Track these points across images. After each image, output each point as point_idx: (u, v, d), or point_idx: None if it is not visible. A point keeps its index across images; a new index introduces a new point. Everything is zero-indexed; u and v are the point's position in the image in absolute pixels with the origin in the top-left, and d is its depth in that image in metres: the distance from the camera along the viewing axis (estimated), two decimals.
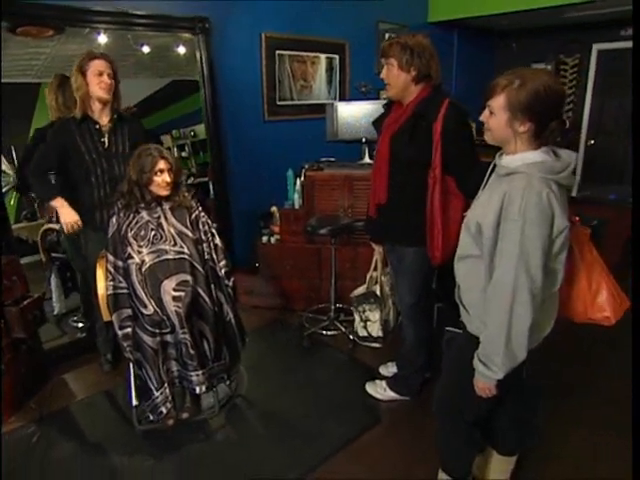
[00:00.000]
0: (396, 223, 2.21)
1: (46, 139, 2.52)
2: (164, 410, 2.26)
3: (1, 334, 2.27)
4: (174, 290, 2.20)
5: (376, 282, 2.82)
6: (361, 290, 2.88)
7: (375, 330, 2.90)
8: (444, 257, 2.05)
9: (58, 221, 2.89)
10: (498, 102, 1.35)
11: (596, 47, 5.28)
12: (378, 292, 2.80)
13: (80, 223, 2.46)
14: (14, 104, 2.81)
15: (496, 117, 1.38)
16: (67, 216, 2.45)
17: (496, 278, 1.37)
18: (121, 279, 2.24)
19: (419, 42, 2.00)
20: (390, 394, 2.50)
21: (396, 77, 2.04)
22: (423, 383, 2.50)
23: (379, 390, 2.53)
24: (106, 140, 2.48)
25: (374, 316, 2.88)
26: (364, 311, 2.91)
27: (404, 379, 2.49)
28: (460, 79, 5.22)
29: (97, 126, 2.46)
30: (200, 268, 2.28)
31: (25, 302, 2.44)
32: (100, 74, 2.38)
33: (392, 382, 2.53)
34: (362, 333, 3.00)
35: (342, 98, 4.32)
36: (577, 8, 4.17)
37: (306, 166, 3.52)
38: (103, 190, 2.50)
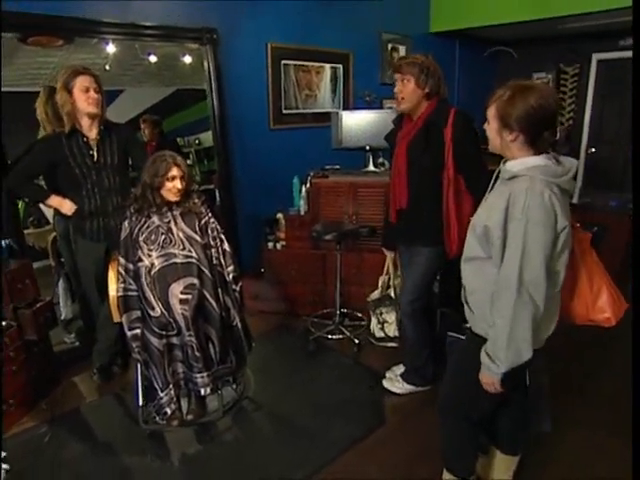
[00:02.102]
0: (416, 225, 2.36)
1: (32, 150, 2.56)
2: (168, 411, 2.29)
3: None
4: (181, 293, 2.25)
5: (388, 286, 2.90)
6: (376, 294, 2.98)
7: (392, 331, 3.02)
8: (460, 250, 2.16)
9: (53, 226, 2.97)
10: (491, 111, 1.45)
11: (596, 57, 5.36)
12: (392, 295, 2.88)
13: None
14: (24, 113, 2.85)
15: (490, 125, 1.47)
16: (69, 209, 2.54)
17: (501, 275, 1.42)
18: (131, 281, 2.30)
19: (432, 63, 2.22)
20: (408, 387, 2.59)
21: (412, 93, 2.22)
22: (436, 373, 2.58)
23: (397, 385, 2.61)
24: (95, 153, 2.52)
25: (390, 317, 3.00)
26: (381, 313, 3.02)
27: (415, 371, 2.58)
28: (462, 88, 5.29)
29: (85, 139, 2.50)
30: (207, 272, 2.32)
31: (37, 305, 2.49)
32: (87, 90, 2.41)
33: (406, 376, 2.62)
34: (379, 334, 3.09)
35: (346, 107, 4.38)
36: (577, 19, 4.24)
37: (311, 173, 3.59)
38: (94, 201, 2.56)
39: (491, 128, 1.47)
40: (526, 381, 1.75)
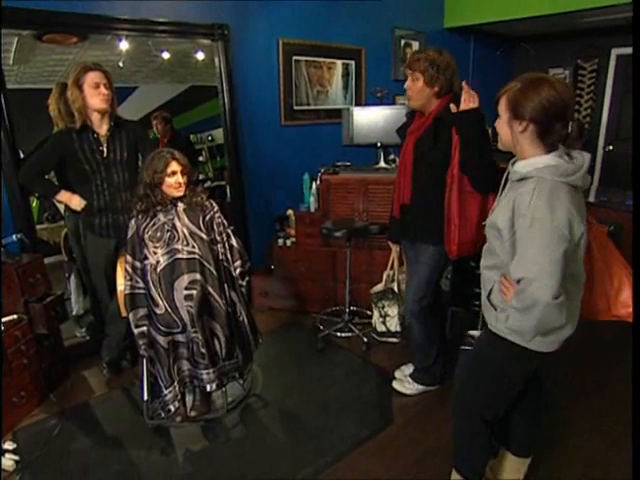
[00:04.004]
0: (418, 221, 2.32)
1: (44, 146, 2.59)
2: (172, 408, 2.31)
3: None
4: (186, 289, 2.25)
5: (392, 280, 2.88)
6: (380, 287, 2.96)
7: (393, 325, 3.00)
8: (459, 251, 2.18)
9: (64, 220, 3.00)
10: (502, 104, 1.41)
11: (615, 52, 5.23)
12: (396, 289, 2.86)
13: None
14: (40, 110, 2.88)
15: (500, 119, 1.43)
16: (78, 205, 2.58)
17: (517, 278, 1.35)
18: (138, 279, 2.30)
19: (444, 59, 2.15)
20: (418, 387, 2.57)
21: (420, 91, 2.17)
22: (446, 372, 2.58)
23: (407, 386, 2.59)
24: (104, 149, 2.55)
25: (392, 311, 2.97)
26: (383, 307, 3.00)
27: (424, 371, 2.56)
28: (476, 85, 5.20)
29: (95, 135, 2.53)
30: (211, 268, 2.32)
31: (48, 299, 2.51)
32: (97, 86, 2.44)
33: (416, 376, 2.59)
34: (380, 328, 3.06)
35: (358, 103, 4.35)
36: (596, 13, 4.14)
37: (322, 170, 3.56)
38: (102, 197, 2.59)
39: (501, 121, 1.43)
40: (539, 380, 1.73)
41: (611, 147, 5.47)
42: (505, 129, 1.42)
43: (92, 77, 2.44)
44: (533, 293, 1.28)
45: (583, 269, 1.41)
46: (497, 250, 1.46)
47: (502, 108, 1.41)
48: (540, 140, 1.37)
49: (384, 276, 2.90)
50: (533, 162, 1.38)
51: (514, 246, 1.37)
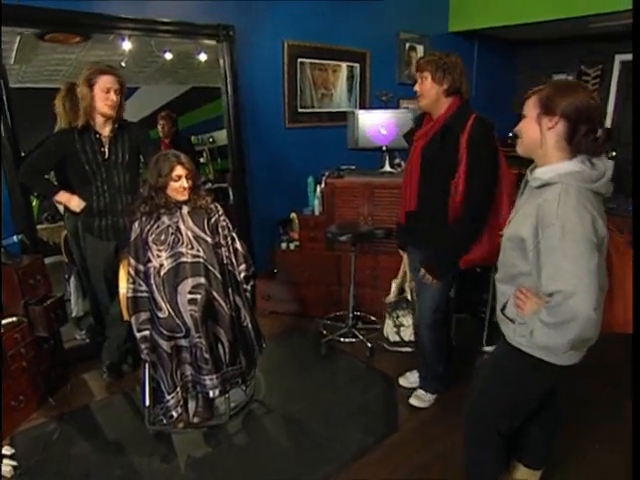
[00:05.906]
0: (425, 228, 2.28)
1: (45, 144, 2.57)
2: (175, 414, 2.27)
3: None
4: (189, 293, 2.21)
5: (403, 289, 2.85)
6: (393, 297, 2.92)
7: (407, 335, 2.97)
8: (467, 262, 2.16)
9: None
10: (529, 104, 1.38)
11: (619, 58, 5.23)
12: (409, 297, 2.84)
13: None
14: (41, 109, 2.86)
15: (526, 118, 1.39)
16: (77, 206, 2.54)
17: (551, 292, 1.29)
18: (141, 282, 2.26)
19: (452, 60, 2.14)
20: (431, 397, 2.54)
21: (429, 89, 2.15)
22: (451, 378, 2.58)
23: (423, 399, 2.53)
24: (106, 150, 2.52)
25: (407, 321, 2.95)
26: (397, 317, 2.97)
27: (435, 379, 2.52)
28: (480, 89, 5.20)
29: (98, 136, 2.50)
30: (216, 272, 2.28)
31: (48, 301, 2.48)
32: (107, 91, 2.41)
33: (426, 385, 2.54)
34: (394, 338, 3.02)
35: (362, 106, 4.34)
36: (600, 18, 4.13)
37: (326, 173, 3.54)
38: (102, 199, 2.55)
39: (528, 120, 1.39)
40: (555, 392, 1.69)
41: (614, 153, 5.46)
42: (532, 127, 1.37)
43: (105, 81, 2.41)
44: (573, 307, 1.23)
45: (606, 276, 1.38)
46: (516, 261, 1.42)
47: (530, 107, 1.37)
48: (566, 142, 1.33)
49: (393, 285, 2.86)
50: (556, 168, 1.34)
51: (538, 256, 1.33)
